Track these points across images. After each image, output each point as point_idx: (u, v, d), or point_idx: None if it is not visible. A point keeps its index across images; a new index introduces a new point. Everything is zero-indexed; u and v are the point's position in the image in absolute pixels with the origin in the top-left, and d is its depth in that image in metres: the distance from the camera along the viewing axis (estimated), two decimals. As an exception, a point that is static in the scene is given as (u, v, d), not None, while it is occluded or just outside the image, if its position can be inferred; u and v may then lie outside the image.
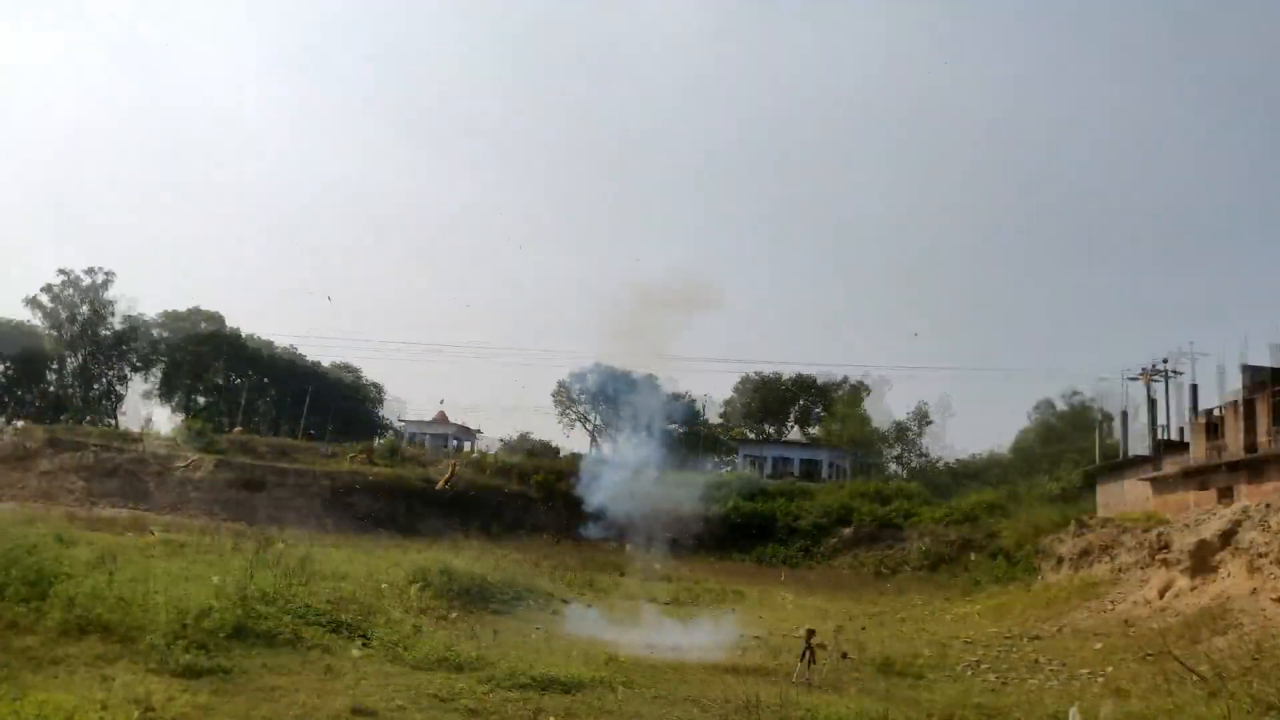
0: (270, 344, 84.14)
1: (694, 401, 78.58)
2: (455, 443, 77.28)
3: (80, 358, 78.65)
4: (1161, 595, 23.19)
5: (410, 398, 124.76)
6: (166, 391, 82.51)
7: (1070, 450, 56.42)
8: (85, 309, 77.38)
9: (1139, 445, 43.27)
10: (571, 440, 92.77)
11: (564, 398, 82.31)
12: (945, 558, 41.94)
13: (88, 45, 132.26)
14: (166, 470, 47.36)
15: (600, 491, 28.41)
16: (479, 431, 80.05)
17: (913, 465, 77.54)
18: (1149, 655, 17.73)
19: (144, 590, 14.36)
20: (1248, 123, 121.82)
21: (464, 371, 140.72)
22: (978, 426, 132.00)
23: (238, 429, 66.53)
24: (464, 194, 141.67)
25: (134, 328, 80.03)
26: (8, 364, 75.02)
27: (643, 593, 31.05)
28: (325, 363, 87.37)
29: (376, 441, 65.74)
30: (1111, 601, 24.43)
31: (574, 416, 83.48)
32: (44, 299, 76.22)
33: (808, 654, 16.80)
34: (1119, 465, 41.23)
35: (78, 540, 21.85)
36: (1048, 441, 62.68)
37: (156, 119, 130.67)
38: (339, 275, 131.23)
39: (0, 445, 49.16)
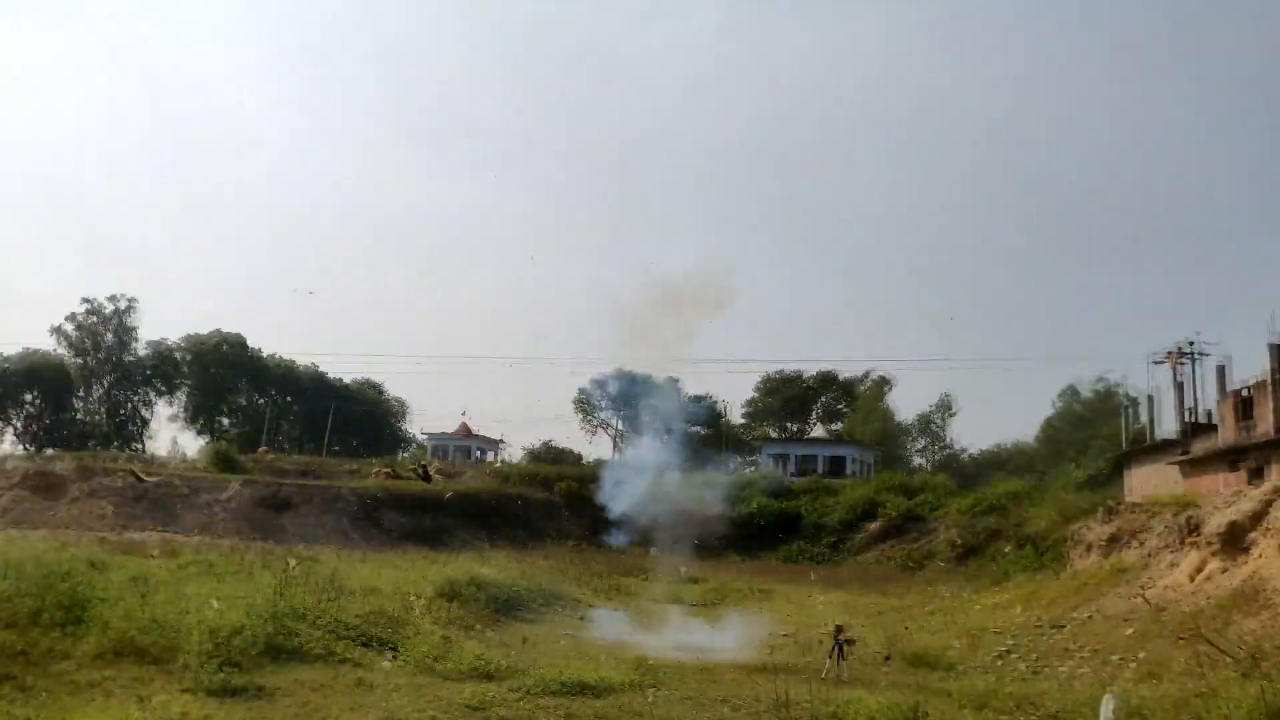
0: (292, 363, 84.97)
1: (715, 403, 78.68)
2: (479, 453, 77.66)
3: (105, 385, 79.70)
4: (1192, 578, 22.92)
5: (431, 409, 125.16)
6: (192, 415, 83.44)
7: (1097, 436, 55.97)
8: (109, 336, 78.43)
9: (1166, 429, 42.80)
10: (595, 447, 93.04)
11: (585, 405, 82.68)
12: (973, 548, 41.57)
13: (88, 45, 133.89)
14: (194, 493, 47.80)
15: (623, 497, 28.44)
16: (502, 441, 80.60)
17: (938, 458, 77.18)
18: (1181, 638, 17.54)
19: (177, 611, 14.54)
20: (1248, 123, 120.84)
21: (479, 383, 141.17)
22: (984, 422, 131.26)
23: (263, 449, 67.10)
24: (464, 194, 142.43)
25: (158, 353, 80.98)
26: (35, 394, 76.08)
27: (670, 595, 31.04)
28: (347, 379, 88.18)
29: (400, 455, 66.11)
30: (1142, 586, 24.14)
31: (596, 423, 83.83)
32: (69, 328, 77.45)
33: (837, 650, 16.81)
34: (1147, 449, 40.76)
35: (110, 565, 22.09)
36: (1075, 428, 62.15)
37: (156, 119, 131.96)
38: (339, 280, 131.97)
39: (30, 474, 49.74)
